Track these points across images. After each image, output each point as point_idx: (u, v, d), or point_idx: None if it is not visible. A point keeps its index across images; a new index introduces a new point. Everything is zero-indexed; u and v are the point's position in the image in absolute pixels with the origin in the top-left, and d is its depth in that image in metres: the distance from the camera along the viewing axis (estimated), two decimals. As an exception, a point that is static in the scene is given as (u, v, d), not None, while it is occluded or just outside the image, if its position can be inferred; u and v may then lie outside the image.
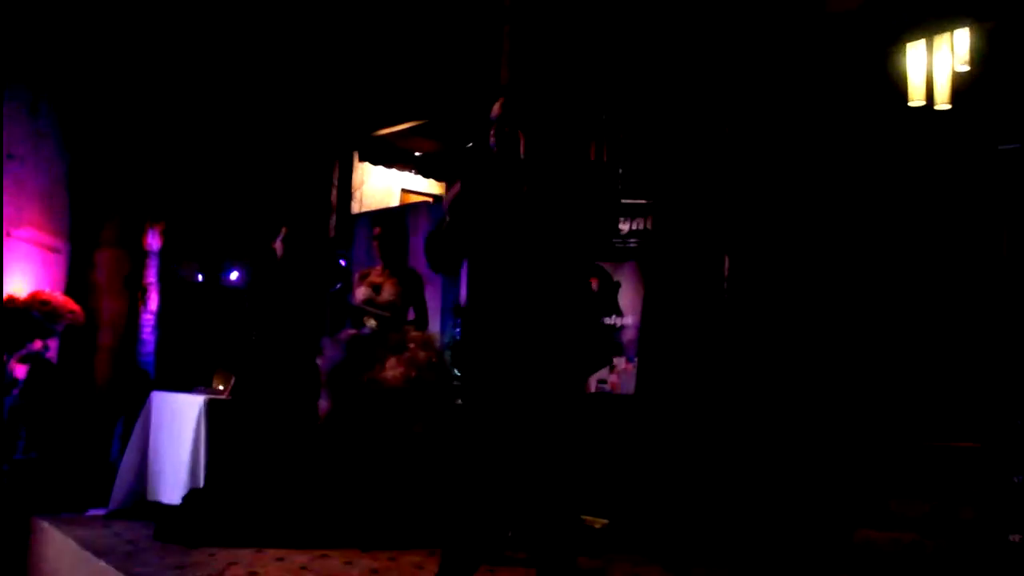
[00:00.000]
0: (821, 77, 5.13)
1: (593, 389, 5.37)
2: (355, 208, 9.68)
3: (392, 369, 4.74)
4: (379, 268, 5.07)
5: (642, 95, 5.65)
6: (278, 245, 4.96)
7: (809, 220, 5.21)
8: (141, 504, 5.37)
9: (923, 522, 4.46)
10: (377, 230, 5.09)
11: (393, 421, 4.70)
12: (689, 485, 4.75)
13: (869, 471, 4.89)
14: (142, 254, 8.06)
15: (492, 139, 3.38)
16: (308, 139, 8.94)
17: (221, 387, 5.60)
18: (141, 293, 7.97)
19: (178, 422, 5.12)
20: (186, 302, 8.33)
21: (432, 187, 10.75)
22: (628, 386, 5.31)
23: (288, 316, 4.88)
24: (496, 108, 3.42)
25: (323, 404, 4.79)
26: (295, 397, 4.78)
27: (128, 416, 6.34)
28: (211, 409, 4.92)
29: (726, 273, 4.97)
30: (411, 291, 4.99)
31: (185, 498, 4.78)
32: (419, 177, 10.59)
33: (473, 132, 9.00)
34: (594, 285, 5.47)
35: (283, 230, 4.99)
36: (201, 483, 4.85)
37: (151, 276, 8.13)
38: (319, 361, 4.84)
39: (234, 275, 8.83)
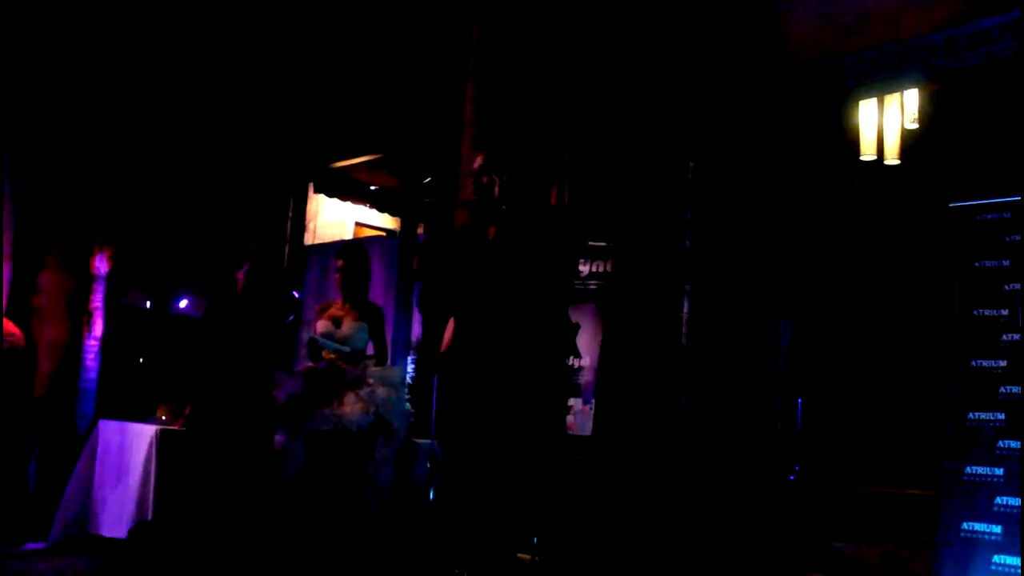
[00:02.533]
0: (782, 125, 5.25)
1: (549, 429, 5.37)
2: (308, 240, 9.60)
3: (351, 405, 4.67)
4: (339, 301, 5.01)
5: (605, 137, 5.71)
6: (240, 276, 4.88)
7: (766, 265, 5.31)
8: (83, 537, 5.18)
9: (873, 568, 4.53)
10: (340, 263, 5.04)
11: (351, 459, 4.62)
12: (639, 527, 4.75)
13: (819, 515, 4.95)
14: (88, 278, 7.86)
15: (471, 189, 3.51)
16: (263, 169, 8.84)
17: (164, 417, 5.46)
18: (86, 318, 7.77)
19: (127, 452, 4.97)
20: (132, 329, 8.15)
21: (387, 221, 10.73)
22: (585, 428, 5.31)
23: (246, 347, 4.79)
24: (477, 161, 3.59)
25: (279, 438, 4.70)
26: (251, 430, 4.68)
27: (50, 445, 6.13)
28: (163, 440, 4.79)
29: (685, 316, 5.02)
30: (372, 325, 4.94)
31: (132, 532, 4.63)
32: (374, 211, 10.58)
33: (430, 168, 9.04)
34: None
35: (246, 264, 4.92)
36: (149, 516, 4.71)
37: (97, 301, 7.94)
38: (276, 394, 4.75)
39: (183, 303, 8.69)
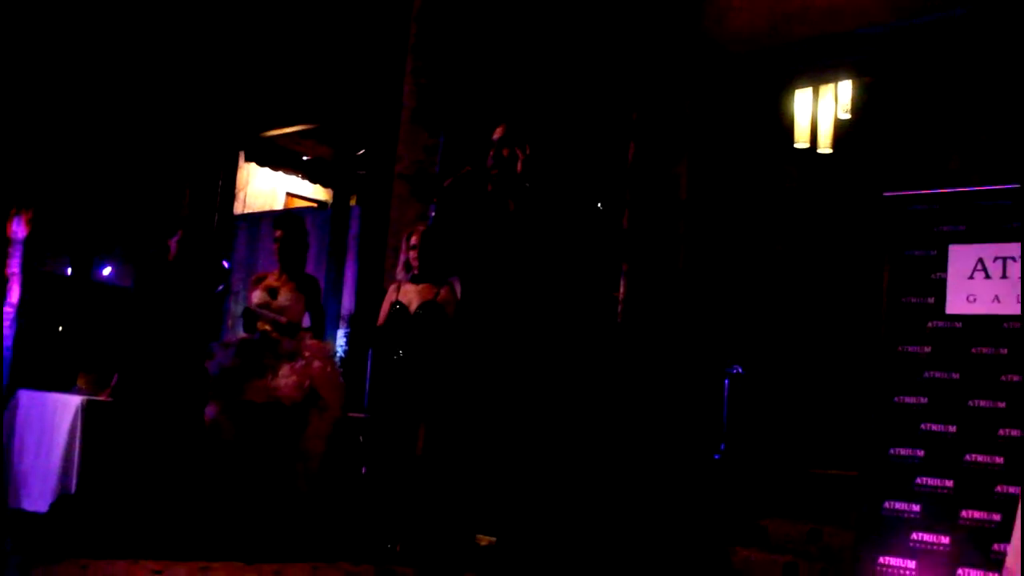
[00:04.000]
0: (720, 111, 5.32)
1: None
2: (238, 209, 9.42)
3: (285, 378, 4.60)
4: (276, 272, 4.92)
5: (546, 114, 5.71)
6: (173, 244, 4.75)
7: (700, 248, 5.38)
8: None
9: (800, 544, 4.65)
10: (279, 233, 4.94)
11: (284, 432, 4.56)
12: (573, 505, 4.80)
13: (747, 494, 5.06)
14: (5, 242, 7.55)
15: (491, 160, 3.60)
16: (192, 135, 8.62)
17: (84, 387, 5.30)
18: (1, 284, 7.48)
19: (49, 424, 4.79)
20: (52, 296, 7.88)
21: (319, 192, 10.58)
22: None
23: (177, 317, 4.66)
24: (498, 131, 3.69)
25: (210, 410, 4.60)
26: (181, 401, 4.56)
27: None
28: (89, 411, 4.64)
29: (622, 293, 5.06)
30: (309, 297, 4.87)
31: (53, 505, 4.49)
32: (306, 182, 10.42)
33: (365, 139, 8.93)
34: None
35: (180, 231, 4.78)
36: (73, 489, 4.57)
37: (14, 266, 7.63)
38: (208, 365, 4.65)
39: (106, 270, 8.43)
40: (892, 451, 4.04)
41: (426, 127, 6.07)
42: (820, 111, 6.52)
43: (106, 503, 4.40)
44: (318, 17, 7.92)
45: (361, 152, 9.21)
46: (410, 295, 4.68)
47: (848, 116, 6.45)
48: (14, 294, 7.56)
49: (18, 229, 7.62)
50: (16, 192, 7.52)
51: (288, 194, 10.35)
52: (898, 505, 3.98)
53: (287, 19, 8.09)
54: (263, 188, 10.09)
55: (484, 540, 4.83)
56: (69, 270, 8.27)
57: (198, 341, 4.73)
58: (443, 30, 6.25)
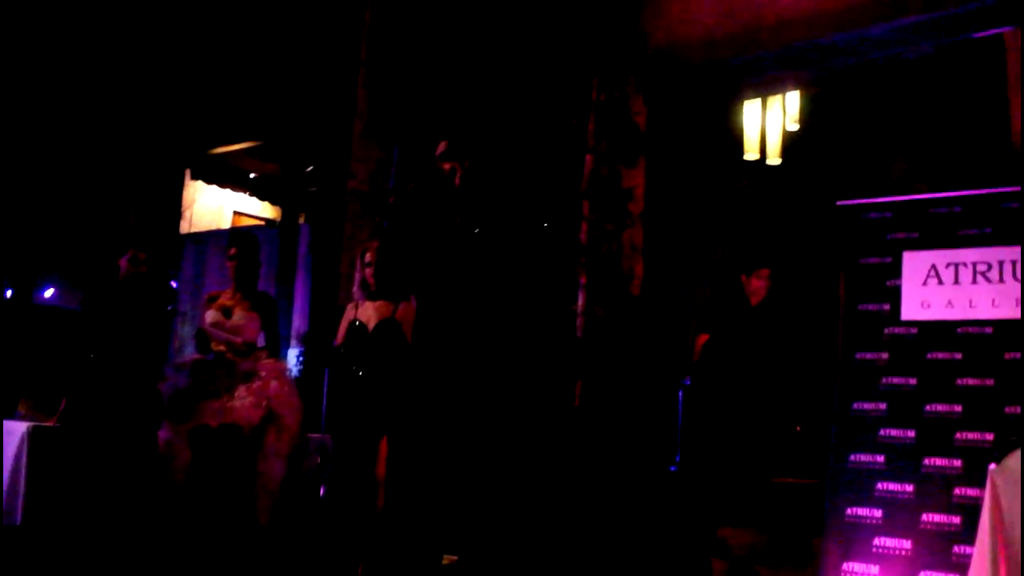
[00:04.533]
0: (674, 121, 5.34)
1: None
2: (184, 228, 9.24)
3: (242, 399, 4.48)
4: (230, 291, 4.80)
5: (487, 126, 5.68)
6: (123, 263, 4.60)
7: (660, 258, 5.38)
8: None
9: (759, 553, 4.66)
10: (233, 250, 4.82)
11: (241, 455, 4.44)
12: (535, 521, 4.76)
13: (705, 505, 5.05)
14: (-59, 264, 7.31)
15: (434, 174, 3.58)
16: (137, 152, 8.44)
17: (24, 412, 5.10)
18: (-63, 307, 7.22)
19: (-8, 451, 4.60)
20: (-10, 319, 7.62)
21: (266, 210, 10.43)
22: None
23: (128, 338, 4.51)
24: (441, 146, 3.64)
25: (164, 434, 4.46)
26: (133, 426, 4.41)
27: None
28: (35, 437, 4.46)
29: (580, 306, 5.04)
30: (264, 315, 4.76)
31: (-3, 537, 4.31)
32: (254, 199, 10.26)
33: (314, 156, 8.84)
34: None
35: (129, 251, 4.64)
36: (18, 520, 4.38)
37: (-49, 289, 7.40)
38: (161, 388, 4.51)
39: (48, 292, 8.17)
40: (852, 458, 4.07)
41: (379, 141, 6.01)
42: (768, 122, 6.61)
43: (54, 535, 4.23)
44: (266, 33, 7.83)
45: (310, 169, 9.12)
46: (368, 313, 4.59)
47: (796, 127, 6.55)
48: (-49, 317, 7.30)
49: (-45, 251, 7.37)
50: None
51: (235, 212, 10.17)
52: (860, 511, 4.01)
53: (235, 35, 7.98)
54: (210, 206, 9.91)
55: (447, 559, 4.76)
56: (9, 292, 7.99)
57: (150, 363, 4.58)
58: (395, 44, 6.21)
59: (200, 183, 9.75)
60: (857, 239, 4.32)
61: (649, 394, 5.07)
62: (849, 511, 4.02)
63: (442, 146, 3.82)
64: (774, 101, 6.53)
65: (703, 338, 5.35)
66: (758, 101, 6.44)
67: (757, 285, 5.36)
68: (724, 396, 5.26)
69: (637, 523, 4.79)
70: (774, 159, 6.54)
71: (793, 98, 6.45)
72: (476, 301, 3.77)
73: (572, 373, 4.86)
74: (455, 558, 4.72)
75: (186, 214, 9.59)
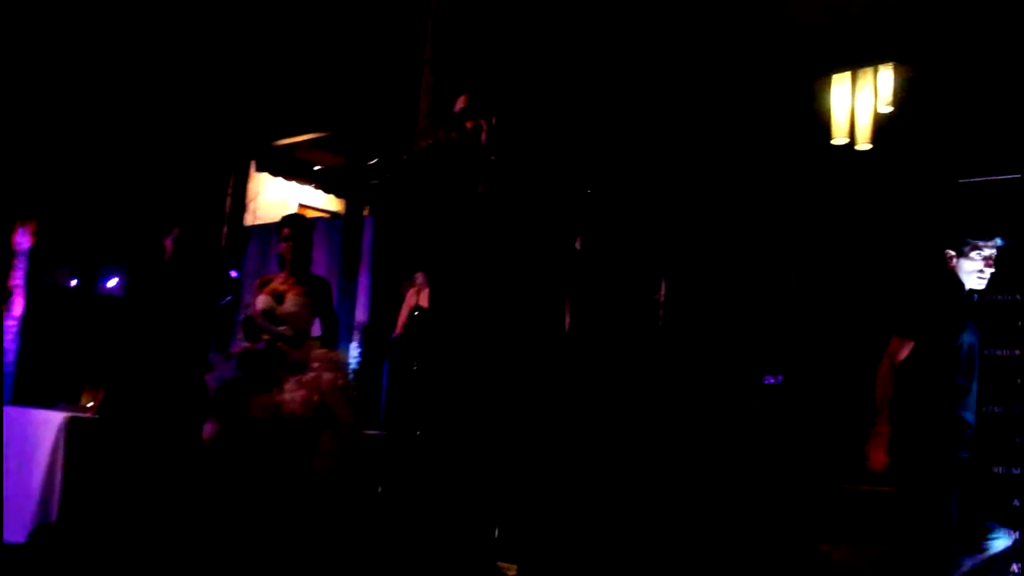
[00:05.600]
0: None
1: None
2: (248, 220, 8.93)
3: (292, 392, 3.97)
4: (283, 275, 4.30)
5: (573, 110, 5.11)
6: (168, 243, 4.14)
7: (734, 250, 4.78)
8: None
9: (864, 572, 4.02)
10: (287, 231, 4.34)
11: (291, 453, 3.94)
12: (619, 532, 4.18)
13: (801, 517, 4.43)
14: (9, 253, 7.06)
15: (454, 135, 2.83)
16: (202, 143, 8.15)
17: (90, 404, 4.69)
18: (4, 296, 6.95)
19: (31, 444, 4.16)
20: (56, 309, 7.34)
21: (331, 203, 10.09)
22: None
23: (173, 324, 4.05)
24: (460, 102, 2.89)
25: (209, 427, 3.98)
26: (176, 418, 3.95)
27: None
28: (72, 429, 4.01)
29: (662, 295, 4.44)
30: (319, 301, 4.25)
31: (32, 534, 3.87)
32: (318, 192, 9.93)
33: (378, 147, 8.45)
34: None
35: (175, 229, 4.18)
36: (54, 517, 3.95)
37: (17, 278, 7.15)
38: (207, 378, 4.04)
39: (112, 282, 7.90)
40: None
41: (445, 123, 5.48)
42: (858, 104, 5.94)
43: (90, 532, 3.78)
44: (332, 23, 7.46)
45: (374, 161, 8.78)
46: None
47: (890, 108, 5.86)
48: (17, 307, 7.05)
49: (22, 240, 7.14)
50: (19, 203, 7.03)
51: (300, 205, 9.83)
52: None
53: (300, 26, 7.63)
54: (274, 198, 9.59)
55: (508, 569, 4.21)
56: (73, 281, 7.71)
57: (196, 351, 4.11)
58: (464, 27, 5.69)
59: (265, 175, 9.45)
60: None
61: (729, 397, 4.44)
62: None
63: (462, 101, 3.08)
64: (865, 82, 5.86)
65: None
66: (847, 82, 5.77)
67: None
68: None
69: (726, 533, 4.18)
70: (864, 144, 5.87)
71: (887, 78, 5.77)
72: (503, 283, 3.02)
73: (655, 369, 4.26)
74: (514, 568, 4.17)
75: (250, 206, 9.29)
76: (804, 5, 4.62)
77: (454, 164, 2.75)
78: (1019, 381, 3.43)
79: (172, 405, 3.95)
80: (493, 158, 2.70)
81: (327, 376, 4.05)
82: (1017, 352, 3.43)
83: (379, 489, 4.40)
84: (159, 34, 7.68)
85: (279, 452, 3.95)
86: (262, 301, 4.21)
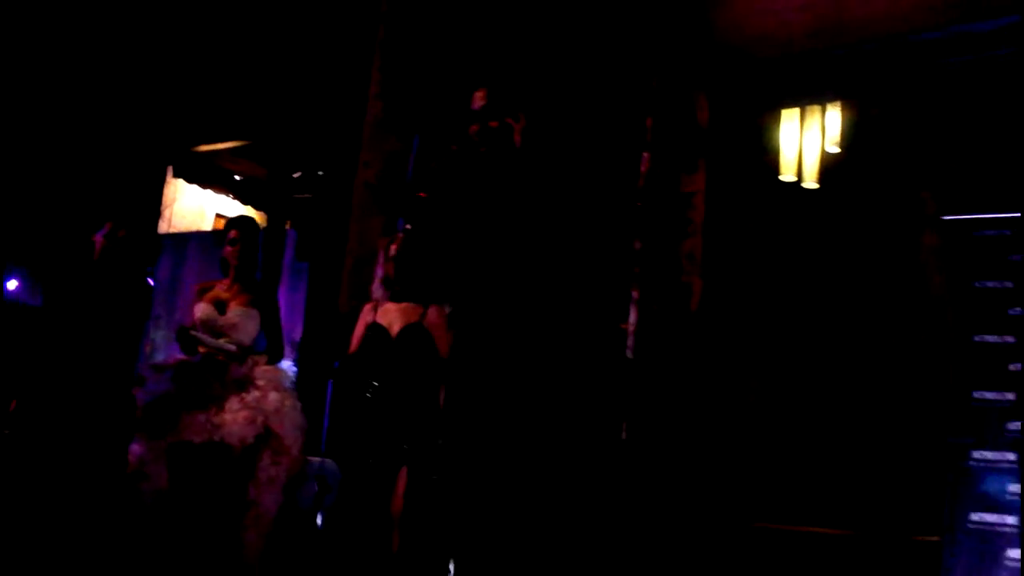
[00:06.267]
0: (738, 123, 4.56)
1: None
2: (162, 228, 8.34)
3: (234, 412, 3.52)
4: (227, 281, 3.85)
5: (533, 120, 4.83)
6: (99, 239, 3.64)
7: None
8: None
9: None
10: (234, 233, 3.90)
11: (230, 480, 3.48)
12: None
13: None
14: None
15: (475, 136, 2.43)
16: (119, 147, 7.58)
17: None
18: None
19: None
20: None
21: (250, 215, 9.56)
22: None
23: (100, 330, 3.55)
24: (478, 98, 2.48)
25: (137, 449, 3.49)
26: (98, 437, 3.44)
27: None
28: (-25, 447, 3.47)
29: (631, 328, 4.17)
30: (265, 312, 3.82)
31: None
32: (237, 202, 9.40)
33: (303, 160, 8.00)
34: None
35: (107, 224, 3.68)
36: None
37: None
38: (136, 393, 3.55)
39: (12, 284, 7.20)
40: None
41: (396, 130, 5.13)
42: (806, 142, 5.89)
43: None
44: (265, 28, 7.06)
45: (298, 174, 8.41)
46: (391, 316, 3.69)
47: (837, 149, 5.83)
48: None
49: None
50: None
51: (217, 215, 9.27)
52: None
53: (230, 29, 7.20)
54: (191, 206, 9.02)
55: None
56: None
57: (124, 363, 3.61)
58: (420, 30, 5.35)
59: (181, 182, 8.90)
60: (970, 259, 3.55)
61: (711, 429, 4.20)
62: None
63: (479, 97, 2.67)
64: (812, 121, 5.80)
65: None
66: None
67: None
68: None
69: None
70: (811, 182, 5.80)
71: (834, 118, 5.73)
72: (539, 303, 2.76)
73: (622, 401, 3.97)
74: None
75: (165, 213, 8.71)
76: (753, 39, 4.48)
77: (483, 169, 2.38)
78: (1010, 368, 3.30)
79: (95, 421, 3.43)
80: (532, 160, 2.33)
81: (274, 396, 3.62)
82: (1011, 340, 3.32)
83: (317, 520, 3.97)
84: (79, 29, 7.13)
85: (216, 479, 3.49)
86: (201, 310, 3.74)
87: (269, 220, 9.37)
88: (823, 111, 5.69)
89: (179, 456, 3.47)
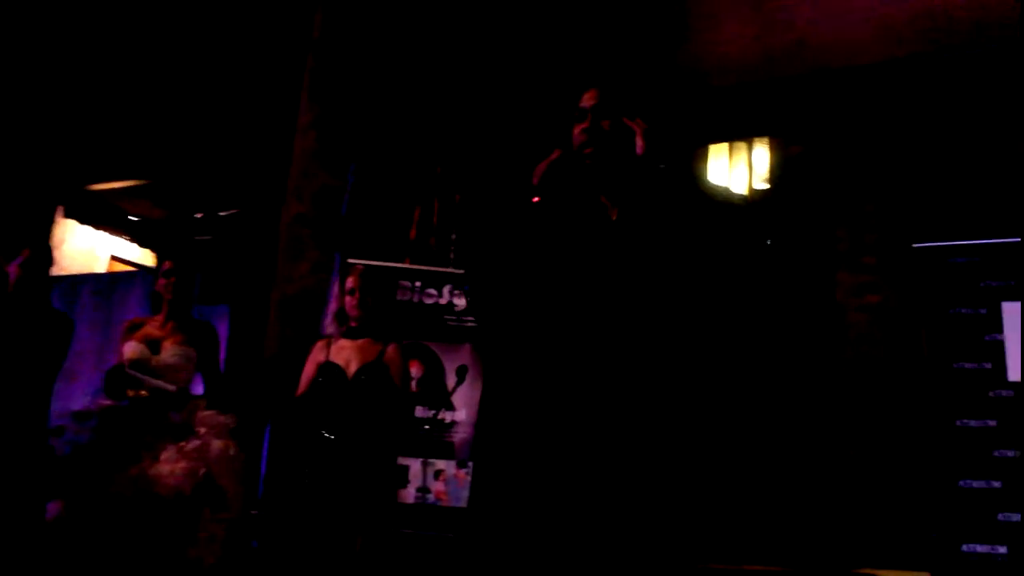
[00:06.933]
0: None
1: (411, 500, 4.04)
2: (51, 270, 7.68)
3: (172, 463, 3.08)
4: (160, 318, 3.41)
5: (481, 150, 4.60)
6: (14, 269, 3.16)
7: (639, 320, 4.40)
8: None
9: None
10: (168, 264, 3.47)
11: (165, 539, 3.02)
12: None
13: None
14: None
15: (583, 140, 2.05)
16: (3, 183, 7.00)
17: None
18: None
19: None
20: None
21: (147, 258, 8.94)
22: (458, 497, 4.05)
23: (13, 371, 3.06)
24: (589, 98, 2.07)
25: (54, 507, 2.99)
26: (11, 493, 2.94)
27: None
28: None
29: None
30: (204, 352, 3.39)
31: None
32: (133, 244, 8.80)
33: (204, 201, 7.55)
34: (414, 370, 4.21)
35: (25, 251, 3.21)
36: None
37: None
38: (54, 443, 3.06)
39: None
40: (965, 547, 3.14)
41: (329, 161, 4.80)
42: (734, 178, 5.89)
43: None
44: (173, 59, 6.68)
45: (199, 215, 7.97)
46: (347, 354, 3.33)
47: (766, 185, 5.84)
48: None
49: None
50: None
51: (112, 257, 8.63)
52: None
53: (129, 60, 6.78)
54: (82, 247, 8.38)
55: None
56: None
57: (39, 407, 3.12)
58: (350, 55, 5.06)
59: (72, 222, 8.28)
60: (944, 287, 3.49)
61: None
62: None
63: (590, 97, 2.12)
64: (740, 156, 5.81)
65: None
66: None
67: None
68: None
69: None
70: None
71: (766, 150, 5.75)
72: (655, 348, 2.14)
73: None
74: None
75: (54, 255, 8.04)
76: (683, 74, 4.43)
77: (593, 178, 2.01)
78: (991, 395, 3.23)
79: (6, 475, 2.94)
80: (661, 167, 1.97)
81: (217, 444, 3.19)
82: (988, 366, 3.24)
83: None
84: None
85: (147, 538, 3.03)
86: (132, 349, 3.29)
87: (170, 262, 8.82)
88: (749, 148, 5.72)
89: (107, 514, 3.00)
